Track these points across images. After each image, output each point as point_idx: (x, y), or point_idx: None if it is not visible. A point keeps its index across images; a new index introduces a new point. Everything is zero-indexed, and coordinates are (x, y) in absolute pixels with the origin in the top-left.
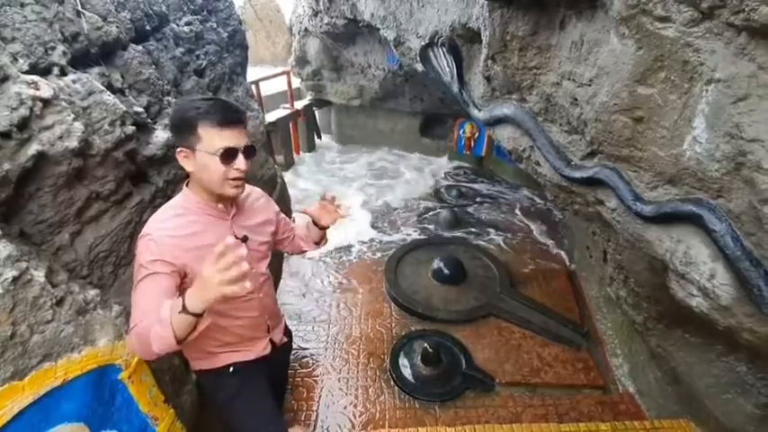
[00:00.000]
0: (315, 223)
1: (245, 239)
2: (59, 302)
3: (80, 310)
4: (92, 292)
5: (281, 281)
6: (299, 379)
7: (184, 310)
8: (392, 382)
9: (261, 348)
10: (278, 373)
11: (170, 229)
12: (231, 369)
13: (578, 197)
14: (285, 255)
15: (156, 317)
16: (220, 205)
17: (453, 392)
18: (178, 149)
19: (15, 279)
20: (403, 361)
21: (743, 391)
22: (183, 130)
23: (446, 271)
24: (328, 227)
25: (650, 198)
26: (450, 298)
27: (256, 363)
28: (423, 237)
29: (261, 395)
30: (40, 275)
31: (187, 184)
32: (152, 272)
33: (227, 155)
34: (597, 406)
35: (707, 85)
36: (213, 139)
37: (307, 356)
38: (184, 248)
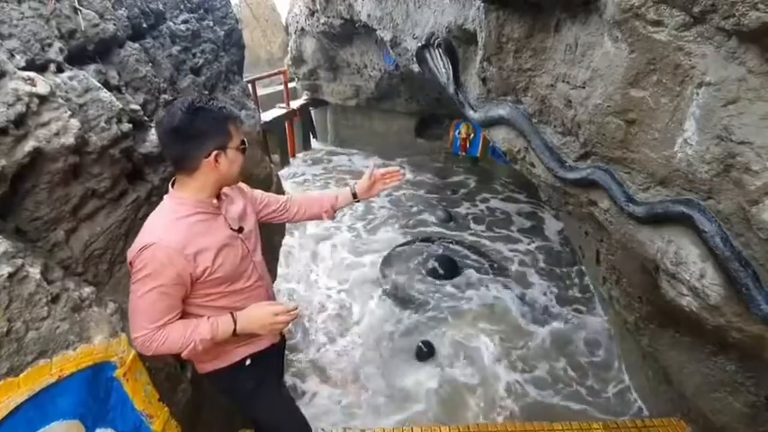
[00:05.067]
0: (354, 195)
1: (240, 230)
2: (55, 299)
3: (75, 308)
4: (87, 290)
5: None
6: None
7: (234, 333)
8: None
9: (268, 339)
10: (280, 360)
11: (174, 238)
12: (248, 361)
13: (572, 198)
14: (281, 254)
15: (188, 335)
16: (215, 201)
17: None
18: (213, 153)
19: (11, 275)
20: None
21: (732, 390)
22: (218, 133)
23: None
24: (368, 197)
25: (642, 199)
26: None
27: (269, 351)
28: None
29: (279, 381)
30: (35, 272)
31: (172, 187)
32: (160, 284)
33: (245, 147)
34: (590, 403)
35: (698, 89)
36: (238, 135)
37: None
38: (189, 255)
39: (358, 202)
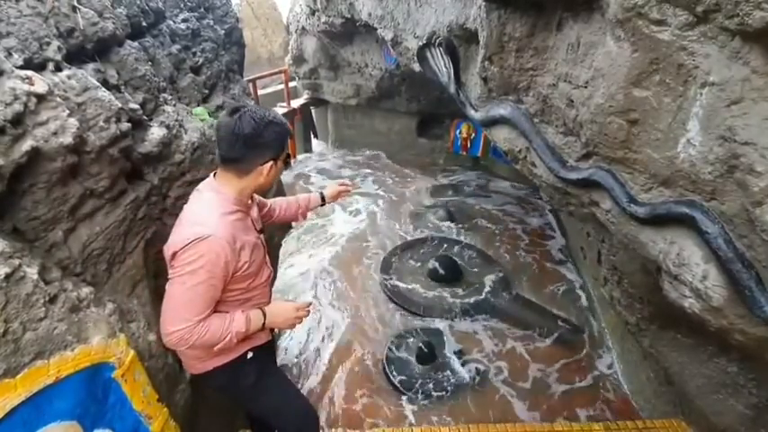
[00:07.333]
0: (322, 198)
1: (261, 231)
2: (52, 300)
3: (73, 308)
4: (85, 290)
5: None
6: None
7: (263, 327)
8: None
9: (266, 334)
10: (273, 354)
11: (226, 232)
12: (250, 355)
13: (573, 198)
14: (280, 255)
15: (226, 327)
16: (249, 201)
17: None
18: (269, 164)
19: (8, 276)
20: (398, 359)
21: (734, 392)
22: (281, 147)
23: (441, 271)
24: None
25: (644, 200)
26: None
27: (264, 345)
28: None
29: (279, 372)
30: (32, 272)
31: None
32: (212, 276)
33: (289, 160)
34: (590, 405)
35: (701, 89)
36: (286, 149)
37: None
38: (236, 249)
39: (324, 204)
